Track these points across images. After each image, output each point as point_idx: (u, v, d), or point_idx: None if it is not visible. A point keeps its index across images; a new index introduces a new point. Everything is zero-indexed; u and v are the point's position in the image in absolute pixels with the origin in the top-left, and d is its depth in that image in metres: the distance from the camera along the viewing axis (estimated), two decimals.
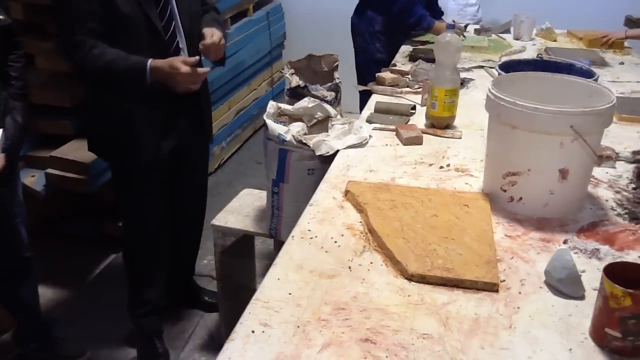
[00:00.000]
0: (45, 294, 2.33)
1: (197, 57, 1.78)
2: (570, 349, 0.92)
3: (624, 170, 1.53)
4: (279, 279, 1.09)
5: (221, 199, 2.24)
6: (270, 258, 1.17)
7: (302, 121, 1.79)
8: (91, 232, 2.71)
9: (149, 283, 2.09)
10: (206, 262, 2.63)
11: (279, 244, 1.23)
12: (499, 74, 1.85)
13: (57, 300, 2.41)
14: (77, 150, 2.44)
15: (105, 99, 1.85)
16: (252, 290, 1.05)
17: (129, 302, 2.13)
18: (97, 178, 2.44)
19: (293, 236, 1.23)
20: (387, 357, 0.91)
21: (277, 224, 1.81)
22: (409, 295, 1.05)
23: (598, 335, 0.93)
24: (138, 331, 2.15)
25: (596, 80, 1.70)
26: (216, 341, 2.21)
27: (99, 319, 2.30)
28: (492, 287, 1.05)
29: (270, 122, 1.74)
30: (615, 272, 0.91)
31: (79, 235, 2.72)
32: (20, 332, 2.08)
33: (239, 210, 2.07)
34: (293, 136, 1.70)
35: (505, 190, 1.32)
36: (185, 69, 1.72)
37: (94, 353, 2.13)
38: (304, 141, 1.68)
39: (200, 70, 1.78)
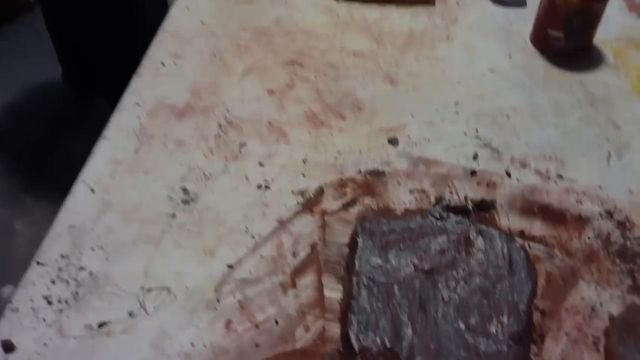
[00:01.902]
0: None
1: None
2: (510, 55, 0.86)
3: None
4: (188, 8, 0.95)
5: None
6: None
7: None
8: None
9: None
10: None
11: None
12: None
13: None
14: None
15: None
16: None
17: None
18: None
19: None
20: (315, 77, 0.82)
21: None
22: (337, 15, 0.93)
23: (539, 38, 0.86)
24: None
25: None
26: None
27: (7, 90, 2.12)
28: (427, 0, 0.95)
29: None
30: None
31: None
32: None
33: None
34: None
35: None
36: None
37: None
38: None
39: None
